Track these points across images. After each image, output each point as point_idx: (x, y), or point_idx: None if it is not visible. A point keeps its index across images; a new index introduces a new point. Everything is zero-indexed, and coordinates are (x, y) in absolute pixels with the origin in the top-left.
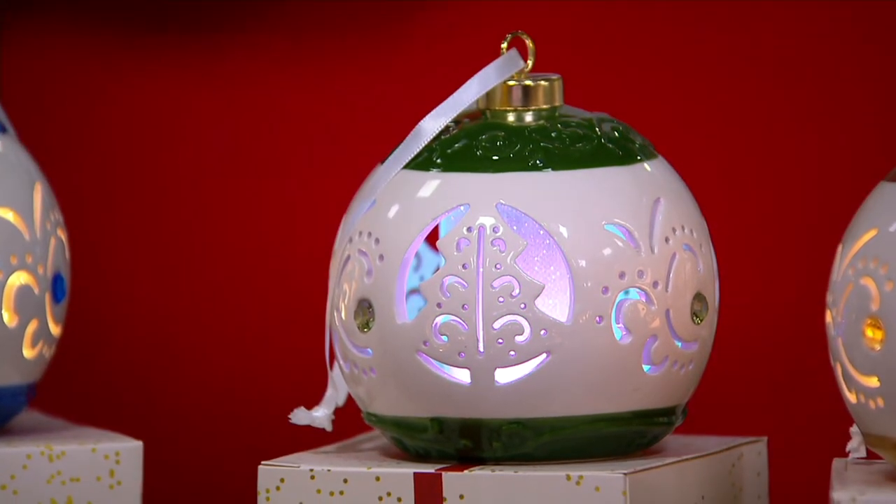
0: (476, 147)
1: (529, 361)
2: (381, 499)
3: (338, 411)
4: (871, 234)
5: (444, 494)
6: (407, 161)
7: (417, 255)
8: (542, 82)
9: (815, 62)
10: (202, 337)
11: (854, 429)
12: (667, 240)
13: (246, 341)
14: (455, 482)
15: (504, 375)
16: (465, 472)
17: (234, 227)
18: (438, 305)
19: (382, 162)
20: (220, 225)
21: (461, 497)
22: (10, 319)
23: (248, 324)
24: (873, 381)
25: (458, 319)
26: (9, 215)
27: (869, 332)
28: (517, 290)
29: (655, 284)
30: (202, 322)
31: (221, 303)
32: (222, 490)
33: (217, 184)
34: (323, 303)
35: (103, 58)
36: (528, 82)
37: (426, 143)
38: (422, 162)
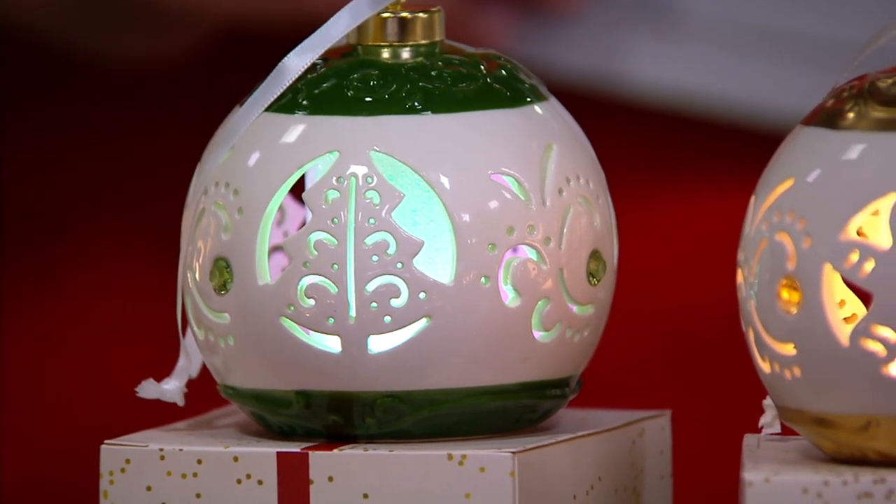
0: (346, 87)
1: (407, 327)
2: (239, 481)
3: (191, 384)
4: (787, 184)
5: (311, 476)
6: (269, 103)
7: (281, 209)
8: (421, 14)
9: None
10: (32, 294)
11: (767, 401)
12: (560, 191)
13: (84, 302)
14: (323, 462)
15: (378, 343)
16: (335, 451)
17: None
18: (304, 265)
19: (241, 104)
20: None
21: (330, 479)
22: None
23: None
24: (789, 349)
25: (327, 280)
26: None
27: (784, 294)
28: (393, 248)
29: (548, 241)
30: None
31: None
32: (60, 473)
33: None
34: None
35: None
36: (404, 14)
37: (290, 82)
38: (285, 104)
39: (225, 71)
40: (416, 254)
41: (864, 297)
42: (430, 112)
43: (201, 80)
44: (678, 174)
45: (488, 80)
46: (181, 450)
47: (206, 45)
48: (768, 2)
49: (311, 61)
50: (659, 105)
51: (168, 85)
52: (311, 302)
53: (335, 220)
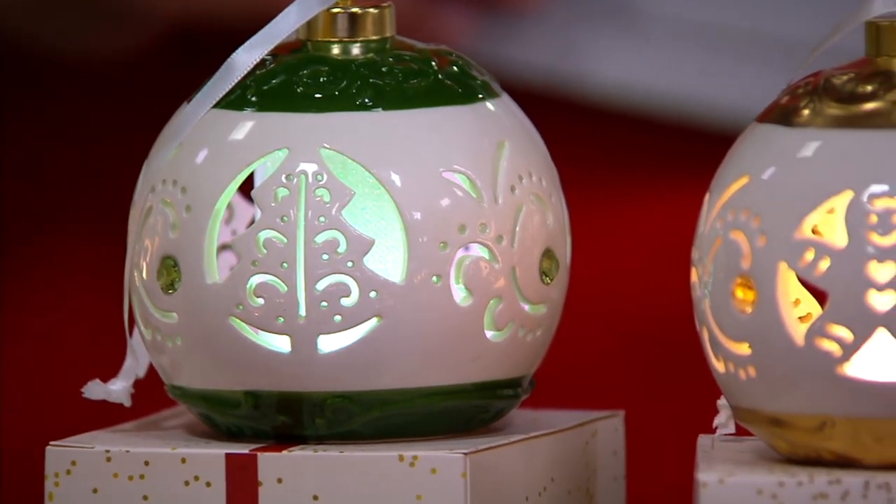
0: (296, 83)
1: (357, 327)
2: (187, 483)
3: (138, 384)
4: (742, 181)
5: (260, 478)
6: (217, 99)
7: (229, 207)
8: (371, 10)
9: None
10: None
11: (722, 401)
12: (512, 189)
13: (28, 302)
14: (272, 464)
15: (328, 343)
16: (284, 452)
17: None
18: (253, 263)
19: (189, 100)
20: None
21: (279, 481)
22: None
23: None
24: (743, 348)
25: (276, 279)
26: None
27: (739, 293)
28: (343, 246)
29: (500, 239)
30: None
31: None
32: (4, 474)
33: None
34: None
35: None
36: (354, 9)
37: (239, 78)
38: (234, 100)
39: (175, 67)
40: (367, 252)
41: (820, 296)
42: (380, 109)
43: (151, 77)
44: (634, 174)
45: (440, 76)
46: (128, 451)
47: (157, 41)
48: (730, 1)
49: (260, 57)
50: (618, 104)
51: (118, 81)
52: (261, 301)
53: (285, 218)
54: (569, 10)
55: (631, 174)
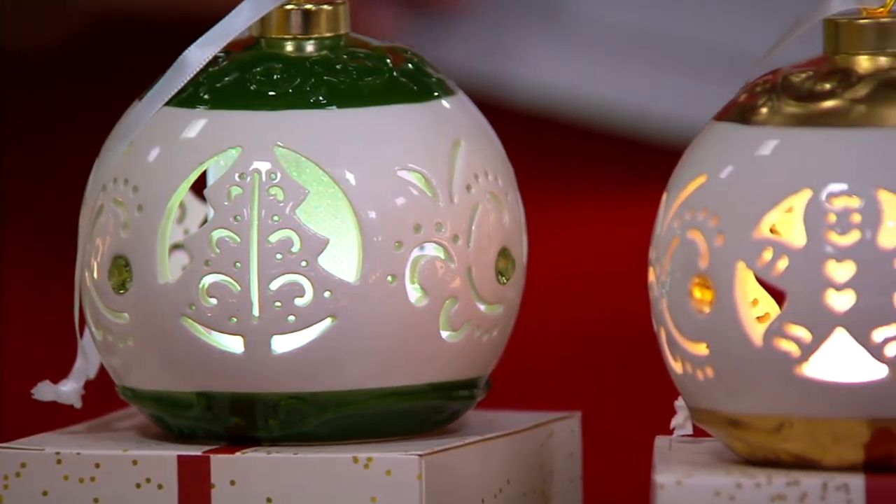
0: (249, 81)
1: (311, 327)
2: (138, 486)
3: (88, 385)
4: (700, 180)
5: (213, 480)
6: (169, 97)
7: (182, 205)
8: (325, 6)
9: None
10: None
11: (679, 402)
12: (468, 188)
13: None
14: (225, 466)
15: (282, 343)
16: (237, 454)
17: None
18: (206, 263)
19: (140, 98)
20: None
21: (232, 483)
22: None
23: None
24: (701, 349)
25: (230, 279)
26: None
27: (696, 293)
28: (297, 246)
29: (455, 239)
30: None
31: None
32: None
33: None
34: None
35: None
36: (308, 6)
37: (191, 76)
38: (186, 98)
39: (101, 59)
40: (321, 252)
41: (778, 296)
42: (335, 107)
43: (77, 68)
44: (591, 176)
45: (394, 73)
46: (78, 453)
47: (82, 31)
48: (667, 8)
49: (213, 54)
50: (545, 108)
51: (44, 72)
52: (213, 301)
53: (238, 217)
54: (498, 11)
55: (587, 178)
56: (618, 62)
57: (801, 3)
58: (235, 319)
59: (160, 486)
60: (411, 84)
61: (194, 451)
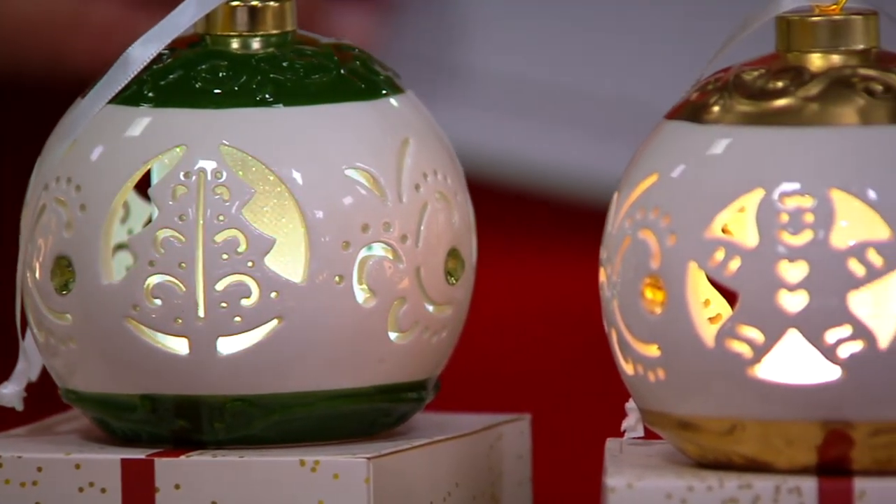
0: (194, 79)
1: (257, 329)
2: (81, 489)
3: (30, 387)
4: (651, 179)
5: (157, 484)
6: (112, 95)
7: (125, 205)
8: (272, 3)
9: None
10: None
11: (630, 404)
12: (417, 187)
13: None
14: (169, 469)
15: (227, 345)
16: (182, 457)
17: None
18: (151, 264)
19: (83, 95)
20: None
21: (177, 487)
22: None
23: None
24: (652, 350)
25: (174, 280)
26: None
27: (648, 294)
28: (243, 246)
29: (404, 239)
30: None
31: None
32: None
33: None
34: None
35: None
36: (254, 2)
37: (135, 73)
38: (130, 96)
39: None
40: (268, 252)
41: (730, 297)
42: (281, 105)
43: None
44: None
45: (342, 71)
46: (20, 457)
47: None
48: (564, 64)
49: (157, 51)
50: None
51: None
52: (158, 302)
53: (183, 216)
54: (399, 67)
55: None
56: (519, 118)
57: (706, 55)
58: (180, 321)
59: (103, 490)
60: (359, 82)
61: (138, 454)
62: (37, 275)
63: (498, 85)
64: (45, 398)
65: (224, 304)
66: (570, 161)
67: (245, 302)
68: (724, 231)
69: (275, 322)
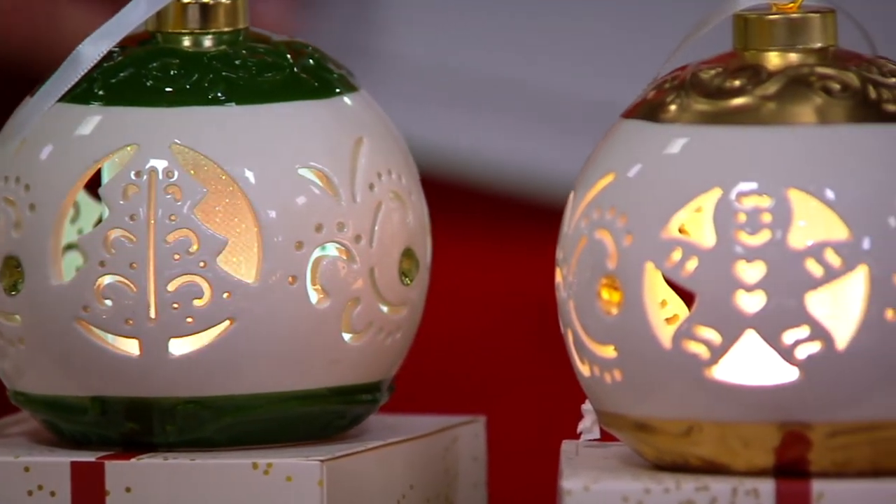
0: (145, 77)
1: (209, 330)
2: (30, 493)
3: None
4: (608, 179)
5: (107, 487)
6: (62, 93)
7: (75, 205)
8: (223, 0)
9: None
10: None
11: (587, 406)
12: (371, 187)
13: None
14: (120, 472)
15: (179, 346)
16: (132, 460)
17: None
18: (101, 264)
19: (32, 93)
20: None
21: (127, 490)
22: None
23: None
24: (609, 351)
25: (125, 280)
26: None
27: (604, 294)
28: (195, 246)
29: (358, 239)
30: None
31: None
32: None
33: None
34: None
35: None
36: (206, 0)
37: (85, 71)
38: (80, 94)
39: None
40: (220, 252)
41: (687, 297)
42: (233, 103)
43: None
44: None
45: (295, 69)
46: None
47: None
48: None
49: (108, 49)
50: None
51: None
52: (108, 303)
53: (134, 216)
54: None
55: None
56: (439, 106)
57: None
58: (131, 322)
59: (53, 494)
60: (312, 80)
61: (88, 457)
62: None
63: (421, 73)
64: None
65: (176, 305)
66: (522, 157)
67: (197, 303)
68: (681, 231)
69: (227, 323)
